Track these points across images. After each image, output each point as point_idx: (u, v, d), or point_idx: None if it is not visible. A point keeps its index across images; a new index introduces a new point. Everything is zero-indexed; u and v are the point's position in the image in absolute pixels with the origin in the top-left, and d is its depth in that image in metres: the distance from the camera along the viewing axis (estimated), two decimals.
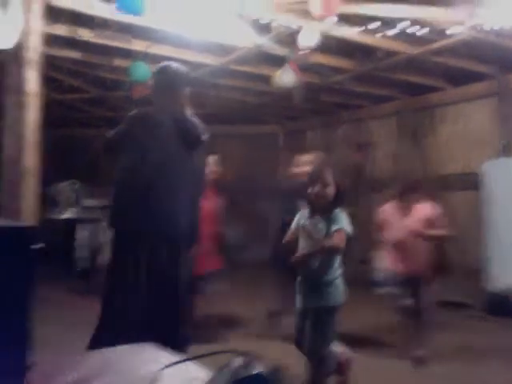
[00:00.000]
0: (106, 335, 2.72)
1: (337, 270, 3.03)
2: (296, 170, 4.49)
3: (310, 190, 3.06)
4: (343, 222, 2.97)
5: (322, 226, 3.00)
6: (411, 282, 4.08)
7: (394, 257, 4.17)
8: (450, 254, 4.49)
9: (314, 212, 3.08)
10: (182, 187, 3.01)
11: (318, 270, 3.00)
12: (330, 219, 2.98)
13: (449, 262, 4.45)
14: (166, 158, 2.98)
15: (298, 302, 3.10)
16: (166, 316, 2.90)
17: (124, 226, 3.00)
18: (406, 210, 4.13)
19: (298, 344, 3.09)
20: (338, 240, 2.93)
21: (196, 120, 3.17)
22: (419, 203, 4.12)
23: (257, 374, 1.06)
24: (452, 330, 4.84)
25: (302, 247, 3.06)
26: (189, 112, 3.18)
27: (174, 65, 3.28)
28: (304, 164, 4.42)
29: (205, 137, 3.15)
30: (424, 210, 4.09)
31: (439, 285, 4.21)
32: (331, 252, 2.98)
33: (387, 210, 4.25)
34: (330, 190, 3.03)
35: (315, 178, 3.08)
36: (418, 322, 4.11)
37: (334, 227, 2.94)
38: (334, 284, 3.01)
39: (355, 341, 4.49)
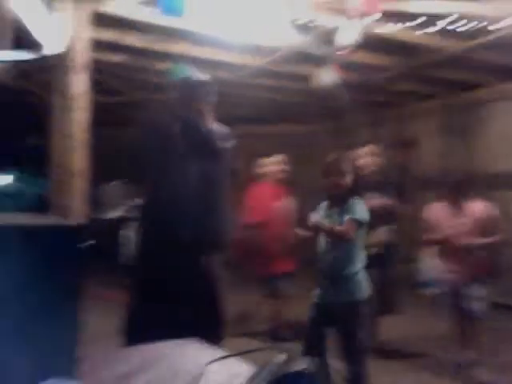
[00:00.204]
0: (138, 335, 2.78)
1: (356, 265, 2.97)
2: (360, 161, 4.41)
3: (325, 181, 3.05)
4: (357, 211, 2.93)
5: (337, 217, 2.97)
6: (461, 285, 3.89)
7: (443, 258, 3.99)
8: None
9: (330, 203, 3.06)
10: (203, 194, 3.05)
11: (335, 263, 2.97)
12: (344, 209, 2.95)
13: (500, 263, 4.28)
14: (184, 168, 3.05)
15: (317, 297, 3.07)
16: (201, 320, 2.95)
17: (153, 234, 3.09)
18: (456, 209, 3.93)
19: (309, 341, 3.02)
20: (347, 228, 2.89)
21: (217, 128, 3.19)
22: (470, 202, 3.92)
23: (299, 371, 1.07)
24: (502, 336, 4.63)
25: (321, 240, 3.04)
26: (209, 121, 3.19)
27: (196, 75, 3.34)
28: (363, 157, 4.39)
29: (223, 144, 3.16)
30: (476, 209, 3.88)
31: (489, 286, 4.04)
32: (339, 238, 2.93)
33: (436, 210, 4.05)
34: (346, 180, 3.00)
35: (331, 168, 3.07)
36: (469, 329, 3.91)
37: (347, 217, 2.91)
38: (354, 279, 2.95)
39: (400, 351, 4.36)
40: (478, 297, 3.85)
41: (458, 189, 3.95)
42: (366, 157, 4.39)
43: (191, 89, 3.24)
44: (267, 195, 4.69)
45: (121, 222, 7.54)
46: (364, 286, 2.99)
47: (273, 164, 4.89)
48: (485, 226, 3.81)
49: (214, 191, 3.11)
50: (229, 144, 3.20)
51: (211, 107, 3.26)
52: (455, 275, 3.90)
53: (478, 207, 3.90)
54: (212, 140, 3.12)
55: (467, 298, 3.85)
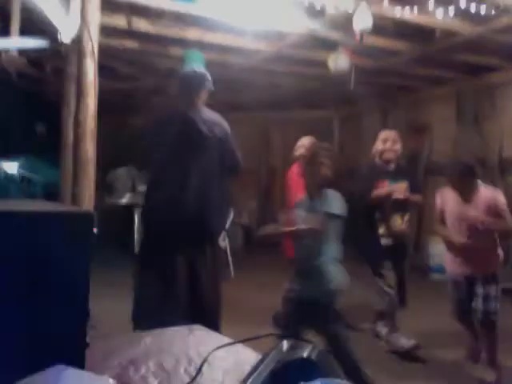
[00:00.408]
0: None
1: (329, 257, 2.95)
2: (383, 146, 4.27)
3: (304, 172, 3.04)
4: (330, 204, 2.92)
5: (313, 209, 2.97)
6: (473, 283, 3.64)
7: (452, 250, 3.74)
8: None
9: (310, 195, 3.05)
10: (194, 183, 3.18)
11: (308, 256, 2.97)
12: (320, 201, 2.95)
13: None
14: (177, 158, 3.23)
15: (291, 289, 3.08)
16: (197, 308, 3.04)
17: (152, 224, 3.31)
18: (465, 196, 3.66)
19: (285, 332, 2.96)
20: (315, 223, 2.87)
21: (209, 117, 3.35)
22: (480, 189, 3.65)
23: (305, 357, 1.07)
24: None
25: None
26: (202, 111, 3.38)
27: (193, 70, 3.59)
28: (382, 143, 4.27)
29: (213, 132, 3.28)
30: (485, 197, 3.61)
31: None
32: (307, 234, 2.94)
33: (445, 197, 3.81)
34: (324, 172, 2.98)
35: (310, 158, 3.06)
36: (483, 332, 3.62)
37: (320, 209, 2.91)
38: (326, 271, 2.94)
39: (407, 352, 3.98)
40: (493, 295, 3.56)
41: (466, 175, 3.67)
42: (386, 143, 4.26)
43: (187, 82, 3.47)
44: (297, 176, 4.68)
45: (133, 207, 7.58)
46: (337, 277, 2.97)
47: (305, 146, 4.86)
48: (493, 214, 3.56)
49: (205, 179, 3.21)
50: (220, 131, 3.31)
51: (205, 96, 3.45)
52: (466, 270, 3.66)
53: (487, 194, 3.64)
54: (199, 128, 3.26)
55: (481, 298, 3.56)
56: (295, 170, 4.84)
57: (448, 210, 3.77)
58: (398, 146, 4.28)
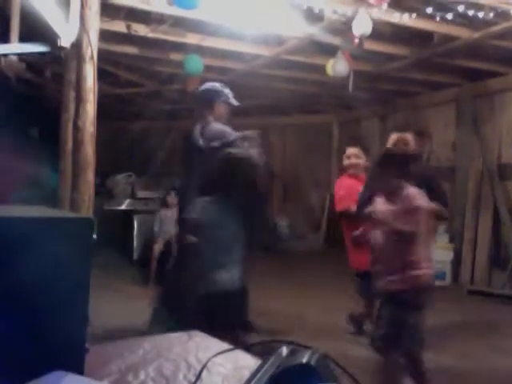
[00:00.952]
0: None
1: (217, 258, 3.10)
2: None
3: None
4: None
5: None
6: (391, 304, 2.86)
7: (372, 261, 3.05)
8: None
9: None
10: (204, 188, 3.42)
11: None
12: None
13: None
14: (185, 172, 3.68)
15: None
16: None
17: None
18: (387, 194, 2.96)
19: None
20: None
21: (213, 131, 3.57)
22: (406, 188, 2.92)
23: (304, 363, 1.07)
24: None
25: None
26: (210, 126, 3.60)
27: (208, 85, 3.83)
28: (400, 143, 3.87)
29: (210, 146, 3.49)
30: (408, 197, 2.89)
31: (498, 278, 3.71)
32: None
33: (376, 197, 3.07)
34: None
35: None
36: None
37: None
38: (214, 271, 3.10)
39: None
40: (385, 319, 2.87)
41: (382, 166, 3.00)
42: (397, 146, 3.78)
43: (196, 99, 3.82)
44: (350, 185, 4.57)
45: (133, 213, 7.58)
46: (220, 280, 3.11)
47: (353, 155, 4.71)
48: (411, 216, 2.82)
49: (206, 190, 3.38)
50: (219, 143, 3.46)
51: (221, 110, 3.71)
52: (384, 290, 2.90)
53: (409, 194, 2.90)
54: (196, 143, 3.54)
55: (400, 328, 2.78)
56: (346, 180, 4.52)
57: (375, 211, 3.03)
58: (412, 149, 3.81)
